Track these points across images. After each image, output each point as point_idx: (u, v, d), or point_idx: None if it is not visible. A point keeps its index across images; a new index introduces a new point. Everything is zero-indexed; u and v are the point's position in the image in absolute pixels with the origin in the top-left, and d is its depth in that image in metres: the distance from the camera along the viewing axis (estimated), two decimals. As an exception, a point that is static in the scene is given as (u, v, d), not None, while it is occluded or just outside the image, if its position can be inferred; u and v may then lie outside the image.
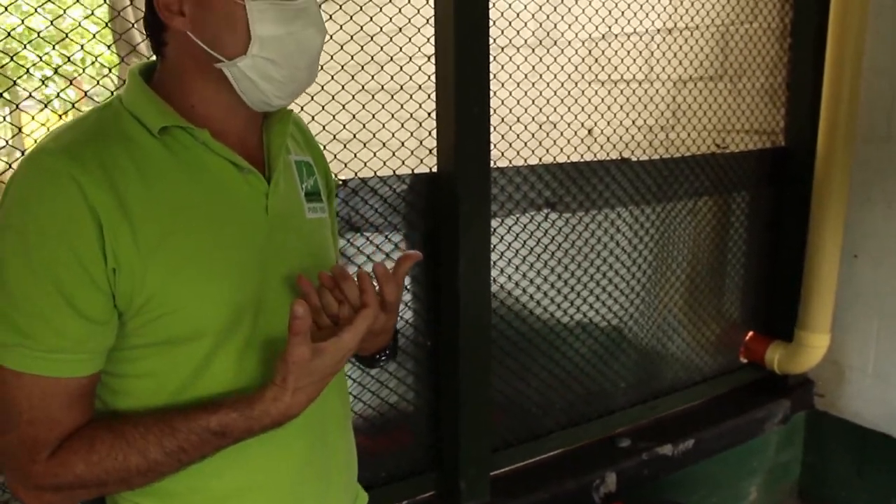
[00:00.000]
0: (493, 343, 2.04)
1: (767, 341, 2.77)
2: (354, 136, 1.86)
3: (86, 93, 1.42)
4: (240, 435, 0.91)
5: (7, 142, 1.41)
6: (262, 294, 0.99)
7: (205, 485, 1.00)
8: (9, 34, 1.35)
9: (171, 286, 0.91)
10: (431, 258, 1.93)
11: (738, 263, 2.74)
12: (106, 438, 0.89)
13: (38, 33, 1.33)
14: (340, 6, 1.74)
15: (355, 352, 1.02)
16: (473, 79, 1.82)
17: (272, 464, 1.04)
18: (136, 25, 1.31)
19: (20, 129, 1.38)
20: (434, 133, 1.89)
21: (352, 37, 1.79)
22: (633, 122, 2.57)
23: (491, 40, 1.83)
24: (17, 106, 1.36)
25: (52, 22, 1.29)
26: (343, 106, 1.82)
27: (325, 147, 1.40)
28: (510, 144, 2.13)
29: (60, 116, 1.36)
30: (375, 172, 1.84)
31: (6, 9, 1.30)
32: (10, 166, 1.38)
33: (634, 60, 2.76)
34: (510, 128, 2.12)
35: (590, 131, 2.45)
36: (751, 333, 2.83)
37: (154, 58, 1.01)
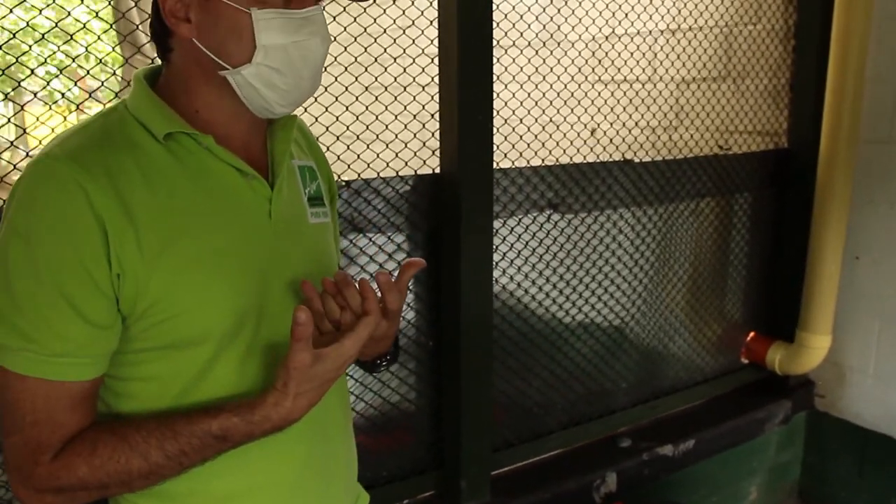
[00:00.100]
0: (495, 343, 2.05)
1: (769, 342, 2.77)
2: (358, 137, 1.87)
3: (90, 94, 1.42)
4: (241, 439, 0.92)
5: (11, 142, 1.42)
6: (264, 299, 0.99)
7: (205, 486, 1.01)
8: (13, 35, 1.36)
9: (175, 291, 0.91)
10: (434, 258, 1.94)
11: (740, 264, 2.75)
12: (108, 441, 0.90)
13: (44, 35, 1.33)
14: (344, 8, 1.74)
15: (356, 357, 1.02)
16: (476, 80, 1.82)
17: (273, 465, 1.04)
18: (140, 27, 1.31)
19: (25, 130, 1.39)
20: (437, 134, 1.90)
21: (355, 38, 1.79)
22: (636, 124, 2.57)
23: (495, 41, 1.83)
24: (21, 107, 1.37)
25: (56, 24, 1.29)
26: (347, 107, 1.83)
27: (328, 148, 1.40)
28: (513, 146, 2.14)
29: (65, 118, 1.37)
30: (378, 173, 1.84)
31: (11, 10, 1.31)
32: (14, 167, 1.39)
33: (638, 62, 2.76)
34: (513, 129, 2.13)
35: (592, 132, 2.45)
36: (752, 334, 2.83)
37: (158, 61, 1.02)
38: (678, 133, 2.84)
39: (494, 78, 1.85)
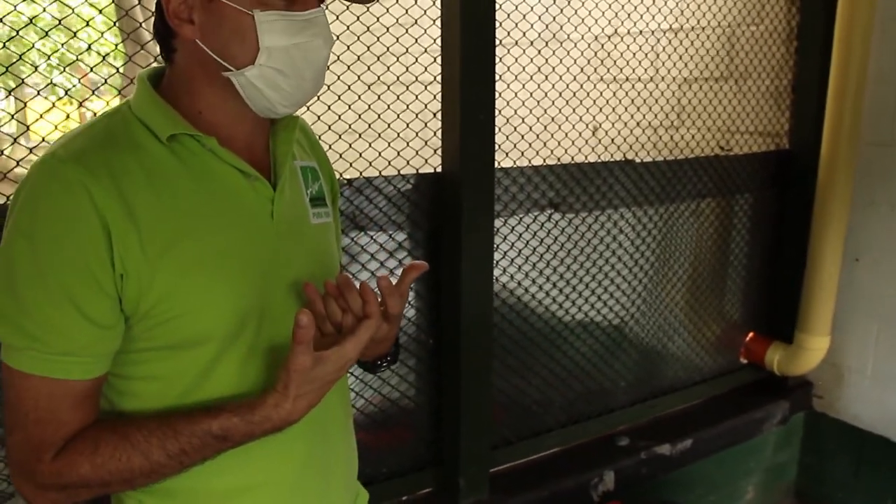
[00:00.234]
0: (495, 341, 2.06)
1: (767, 342, 2.78)
2: (360, 135, 1.87)
3: (94, 90, 1.42)
4: (241, 439, 0.93)
5: (15, 139, 1.43)
6: (266, 300, 1.00)
7: (206, 484, 1.01)
8: (17, 33, 1.36)
9: (177, 291, 0.92)
10: (435, 257, 1.95)
11: (740, 265, 2.75)
12: (110, 440, 0.91)
13: (47, 32, 1.34)
14: (347, 7, 1.74)
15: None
16: (479, 79, 1.82)
17: (273, 464, 1.05)
18: (143, 25, 1.32)
19: (28, 127, 1.39)
20: (439, 133, 1.90)
21: (358, 37, 1.80)
22: (638, 124, 2.58)
23: (497, 40, 1.83)
24: (25, 104, 1.37)
25: (60, 21, 1.29)
26: (349, 106, 1.83)
27: (330, 146, 1.41)
28: (515, 145, 2.14)
29: (68, 115, 1.38)
30: (380, 172, 1.85)
31: (15, 7, 1.31)
32: (17, 163, 1.40)
33: (640, 62, 2.76)
34: (515, 129, 2.13)
35: (594, 131, 2.46)
36: (751, 334, 2.84)
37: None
38: (679, 133, 2.85)
39: (496, 77, 1.86)
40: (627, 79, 3.01)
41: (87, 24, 1.35)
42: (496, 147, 1.90)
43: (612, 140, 2.49)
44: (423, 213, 1.92)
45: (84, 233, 0.86)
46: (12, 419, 0.91)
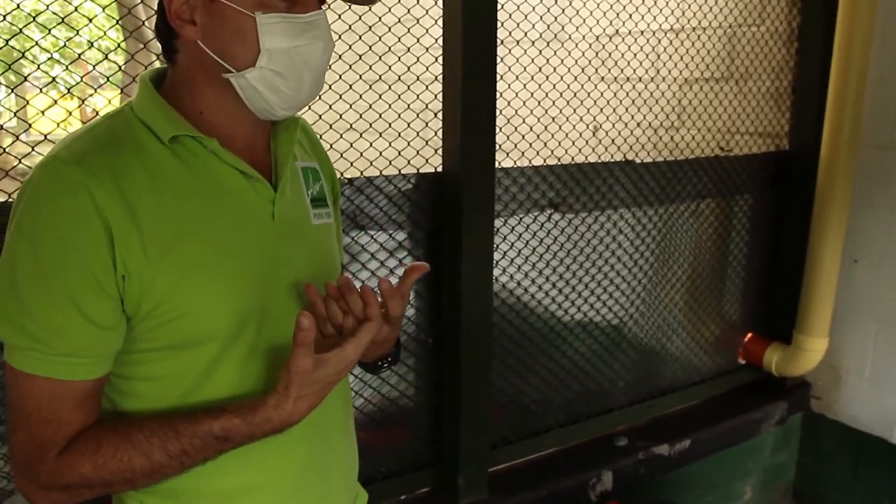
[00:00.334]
0: (495, 341, 2.06)
1: (766, 343, 2.79)
2: (361, 134, 1.87)
3: (96, 89, 1.42)
4: (241, 440, 0.93)
5: (17, 137, 1.43)
6: (267, 300, 1.00)
7: (207, 484, 1.02)
8: (21, 30, 1.36)
9: (179, 292, 0.92)
10: (435, 256, 1.95)
11: (739, 265, 2.76)
12: (112, 440, 0.91)
13: (50, 30, 1.34)
14: (349, 6, 1.74)
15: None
16: (480, 78, 1.82)
17: (274, 464, 1.05)
18: (146, 23, 1.32)
19: (30, 126, 1.39)
20: (440, 132, 1.90)
21: (360, 36, 1.79)
22: (638, 124, 2.58)
23: (499, 39, 1.83)
24: (27, 102, 1.37)
25: (62, 19, 1.29)
26: (351, 105, 1.83)
27: (331, 146, 1.41)
28: (515, 145, 2.14)
29: (70, 113, 1.37)
30: (381, 171, 1.85)
31: (18, 6, 1.31)
32: (19, 160, 1.40)
33: (641, 63, 2.76)
34: (516, 129, 2.13)
35: (595, 132, 2.46)
36: (750, 335, 2.84)
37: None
38: (680, 133, 2.85)
39: (498, 76, 1.86)
40: (628, 79, 3.01)
41: (90, 22, 1.34)
42: (497, 147, 1.90)
43: (613, 140, 2.49)
44: (424, 213, 1.92)
45: (86, 234, 0.86)
46: (15, 419, 0.91)
